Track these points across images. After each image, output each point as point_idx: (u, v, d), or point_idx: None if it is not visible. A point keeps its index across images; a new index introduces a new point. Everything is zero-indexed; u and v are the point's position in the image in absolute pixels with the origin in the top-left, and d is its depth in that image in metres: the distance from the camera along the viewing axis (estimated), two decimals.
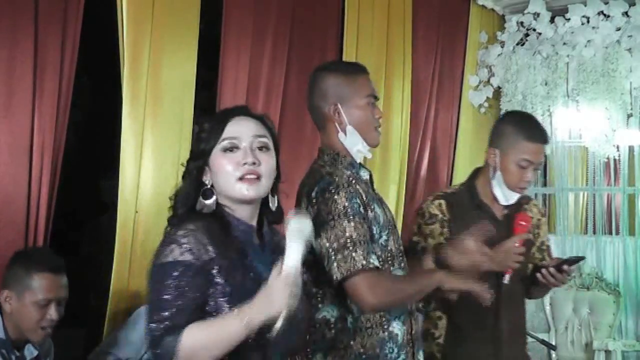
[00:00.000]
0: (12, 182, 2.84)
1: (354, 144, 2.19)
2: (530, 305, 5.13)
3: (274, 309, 1.53)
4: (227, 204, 1.72)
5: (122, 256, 3.22)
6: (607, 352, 4.80)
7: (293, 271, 1.55)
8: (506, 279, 2.49)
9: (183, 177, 1.76)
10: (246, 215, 1.73)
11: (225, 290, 1.61)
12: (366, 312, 2.06)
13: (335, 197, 2.04)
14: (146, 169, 3.26)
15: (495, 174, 2.61)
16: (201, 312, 1.59)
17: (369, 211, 2.10)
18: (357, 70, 2.26)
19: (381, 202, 2.22)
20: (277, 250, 1.68)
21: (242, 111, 1.78)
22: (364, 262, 2.00)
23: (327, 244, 2.01)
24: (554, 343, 4.75)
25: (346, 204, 2.03)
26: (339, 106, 2.18)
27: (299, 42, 4.11)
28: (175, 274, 1.58)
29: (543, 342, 3.60)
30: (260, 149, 1.73)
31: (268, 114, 1.88)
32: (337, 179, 2.09)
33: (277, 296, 1.54)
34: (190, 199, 1.71)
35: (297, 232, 1.59)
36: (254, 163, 1.69)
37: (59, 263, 2.49)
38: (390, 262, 2.15)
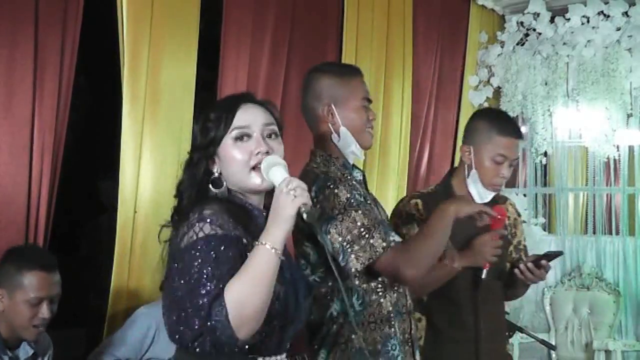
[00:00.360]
0: (12, 182, 2.84)
1: (347, 145, 2.20)
2: (530, 305, 5.17)
3: (284, 217, 1.55)
4: (238, 191, 1.72)
5: (122, 256, 3.22)
6: (607, 352, 4.80)
7: (287, 180, 1.58)
8: (484, 273, 2.49)
9: (187, 167, 1.73)
10: (256, 201, 1.73)
11: None
12: (410, 285, 2.13)
13: (336, 191, 2.05)
14: (146, 169, 3.26)
15: (470, 172, 2.58)
16: None
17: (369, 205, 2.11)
18: (351, 72, 2.27)
19: (376, 202, 2.23)
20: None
21: (249, 98, 1.76)
22: (384, 245, 2.02)
23: (340, 238, 2.02)
24: (554, 343, 4.75)
25: (348, 196, 2.05)
26: (333, 107, 2.18)
27: (299, 42, 4.11)
28: (211, 247, 1.55)
29: (543, 342, 3.60)
30: (269, 136, 1.72)
31: (271, 100, 1.86)
32: (332, 175, 2.10)
33: (285, 209, 1.55)
34: (198, 189, 1.69)
35: (271, 163, 1.64)
36: (267, 152, 1.68)
37: (51, 260, 2.46)
38: None
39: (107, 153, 3.59)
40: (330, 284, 2.09)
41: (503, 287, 2.72)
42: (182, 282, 1.56)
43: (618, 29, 5.06)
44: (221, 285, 1.52)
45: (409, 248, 2.08)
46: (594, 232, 5.26)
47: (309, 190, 2.03)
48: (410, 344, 2.20)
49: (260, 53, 3.84)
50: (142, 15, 3.28)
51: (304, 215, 1.56)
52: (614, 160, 5.18)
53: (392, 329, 2.12)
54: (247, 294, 1.51)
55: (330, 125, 2.19)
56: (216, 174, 1.70)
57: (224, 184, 1.70)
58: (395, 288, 2.17)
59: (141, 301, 3.13)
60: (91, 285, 4.56)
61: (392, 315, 2.13)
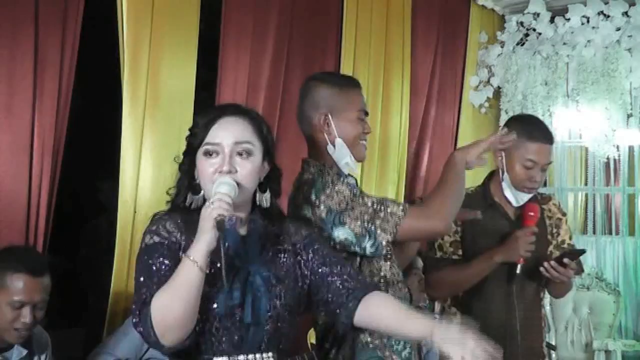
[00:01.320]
0: (13, 182, 2.84)
1: (342, 157, 2.20)
2: None
3: (204, 231, 1.60)
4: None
5: (122, 256, 3.22)
6: (607, 352, 4.80)
7: (221, 195, 1.63)
8: (518, 268, 2.56)
9: (178, 169, 1.80)
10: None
11: None
12: (444, 233, 2.24)
13: (337, 187, 2.09)
14: (146, 169, 3.26)
15: (504, 176, 2.65)
16: None
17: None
18: (350, 83, 2.27)
19: None
20: (270, 240, 1.76)
21: (232, 111, 1.78)
22: (402, 208, 2.06)
23: (359, 222, 2.06)
24: (554, 343, 4.74)
25: (349, 188, 2.09)
26: (330, 117, 2.18)
27: (299, 43, 4.11)
28: (146, 257, 1.67)
29: None
30: (240, 154, 1.73)
31: (264, 112, 1.89)
32: (329, 178, 2.13)
33: (204, 221, 1.60)
34: (182, 192, 1.77)
35: (219, 183, 1.68)
36: (229, 171, 1.70)
37: (41, 265, 2.41)
38: (393, 258, 2.19)
39: (107, 153, 3.59)
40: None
41: (544, 285, 2.75)
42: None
43: (618, 29, 5.06)
44: (151, 292, 1.61)
45: (431, 203, 2.13)
46: (594, 232, 5.26)
47: (309, 195, 2.08)
48: (409, 342, 2.19)
49: (260, 53, 3.84)
50: (143, 16, 3.27)
51: (227, 225, 1.61)
52: (614, 160, 5.18)
53: None
54: (168, 303, 1.59)
55: (325, 135, 2.19)
56: (197, 180, 1.77)
57: (202, 191, 1.76)
58: (400, 286, 2.18)
59: None
60: (91, 285, 4.56)
61: None
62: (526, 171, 2.59)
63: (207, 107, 1.90)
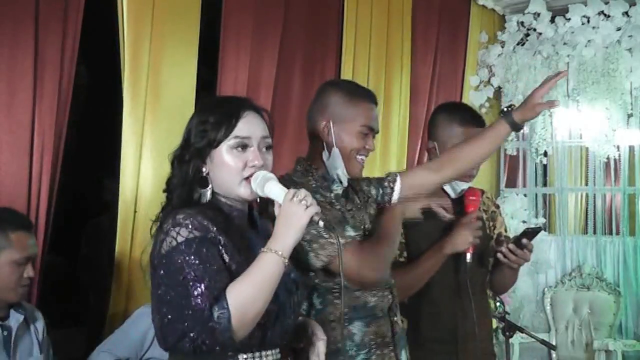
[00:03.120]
0: (13, 181, 2.84)
1: (335, 167, 2.18)
2: (530, 305, 5.18)
3: (298, 226, 1.60)
4: (222, 194, 1.74)
5: (122, 256, 3.22)
6: (608, 352, 4.81)
7: (294, 191, 1.63)
8: (469, 257, 2.48)
9: (178, 163, 1.74)
10: (239, 204, 1.76)
11: (231, 268, 1.61)
12: (367, 284, 2.11)
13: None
14: (146, 168, 3.26)
15: None
16: (231, 279, 1.59)
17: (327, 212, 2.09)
18: (363, 96, 2.23)
19: (359, 210, 2.22)
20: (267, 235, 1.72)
21: (250, 105, 1.78)
22: (342, 241, 1.99)
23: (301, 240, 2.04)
24: (554, 343, 4.75)
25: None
26: (331, 125, 2.17)
27: (299, 43, 4.11)
28: (193, 250, 1.58)
29: (543, 342, 3.60)
30: (265, 149, 1.75)
31: (267, 109, 1.88)
32: (305, 180, 2.15)
33: (298, 218, 1.60)
34: (189, 187, 1.72)
35: (262, 181, 1.68)
36: (262, 166, 1.71)
37: (29, 221, 2.50)
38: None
39: (107, 153, 3.59)
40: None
41: (489, 282, 2.70)
42: (169, 287, 1.59)
43: (618, 29, 5.06)
44: (214, 287, 1.55)
45: (368, 250, 2.10)
46: (594, 232, 5.26)
47: None
48: (392, 347, 2.19)
49: (260, 53, 3.84)
50: (143, 15, 3.27)
51: (321, 223, 1.62)
52: (614, 160, 5.18)
53: (345, 330, 2.10)
54: (251, 298, 1.55)
55: (324, 141, 2.19)
56: (204, 174, 1.72)
57: (210, 185, 1.72)
58: (363, 290, 2.15)
59: (141, 301, 3.13)
60: (91, 285, 4.56)
61: (346, 317, 2.11)
62: None
63: (210, 101, 1.88)
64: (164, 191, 1.76)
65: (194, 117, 1.77)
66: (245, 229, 1.74)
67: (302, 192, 1.63)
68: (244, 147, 1.71)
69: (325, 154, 2.19)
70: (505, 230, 2.76)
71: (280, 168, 4.37)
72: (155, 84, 3.33)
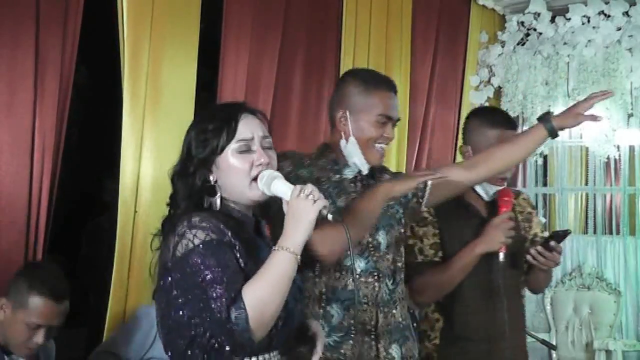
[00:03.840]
0: (13, 182, 2.84)
1: (351, 155, 2.22)
2: (530, 305, 5.16)
3: (306, 222, 1.60)
4: (231, 200, 1.74)
5: (122, 256, 3.22)
6: (608, 352, 4.80)
7: (300, 187, 1.63)
8: (501, 257, 2.50)
9: (181, 176, 1.73)
10: (246, 210, 1.76)
11: (245, 272, 1.61)
12: (324, 260, 2.09)
13: (300, 172, 2.14)
14: (146, 168, 3.26)
15: None
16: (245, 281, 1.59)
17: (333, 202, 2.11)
18: (380, 85, 2.25)
19: (348, 194, 2.23)
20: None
21: (246, 108, 1.78)
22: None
23: None
24: (554, 343, 4.75)
25: (289, 169, 2.11)
26: (347, 114, 2.20)
27: (299, 42, 4.11)
28: (210, 252, 1.57)
29: (543, 342, 3.61)
30: (267, 147, 1.75)
31: (265, 111, 1.89)
32: (315, 161, 2.19)
33: (307, 213, 1.60)
34: (196, 199, 1.71)
35: (269, 180, 1.68)
36: (268, 164, 1.71)
37: (64, 289, 2.40)
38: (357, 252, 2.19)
39: (107, 153, 3.59)
40: None
41: (525, 282, 2.72)
42: (186, 290, 1.57)
43: (619, 29, 5.05)
44: (231, 289, 1.54)
45: (330, 226, 2.06)
46: (595, 232, 5.26)
47: (288, 166, 2.12)
48: (373, 336, 2.20)
49: (260, 53, 3.84)
50: (143, 15, 3.27)
51: (329, 216, 1.62)
52: (615, 160, 5.18)
53: (321, 311, 2.14)
54: (267, 297, 1.55)
55: (341, 131, 2.22)
56: (212, 182, 1.72)
57: (219, 192, 1.72)
58: (349, 275, 2.16)
59: (141, 301, 3.13)
60: (91, 285, 4.56)
61: (323, 297, 2.15)
62: None
63: (205, 111, 1.88)
64: (168, 205, 1.75)
65: (191, 129, 1.77)
66: (253, 235, 1.74)
67: (309, 187, 1.63)
68: (247, 148, 1.71)
69: (342, 142, 2.22)
70: (542, 232, 2.78)
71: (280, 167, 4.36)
72: (155, 85, 3.32)
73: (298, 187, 1.64)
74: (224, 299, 1.53)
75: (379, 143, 2.23)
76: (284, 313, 1.64)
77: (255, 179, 1.70)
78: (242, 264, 1.62)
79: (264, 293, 1.55)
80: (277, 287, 1.57)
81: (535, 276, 2.67)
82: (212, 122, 1.73)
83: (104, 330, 3.20)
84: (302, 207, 1.61)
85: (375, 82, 2.26)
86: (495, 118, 2.65)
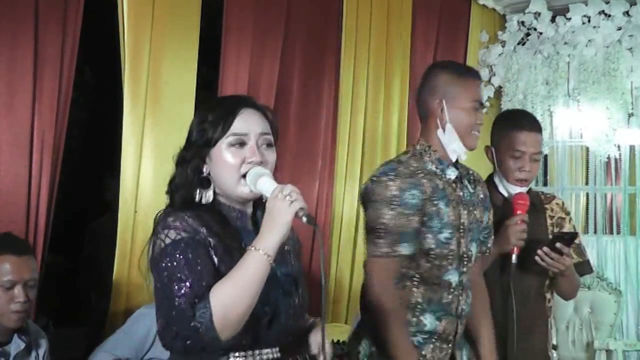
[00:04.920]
0: (13, 181, 2.84)
1: (450, 142, 2.25)
2: None
3: (281, 223, 1.57)
4: (222, 194, 1.72)
5: (122, 256, 3.22)
6: (608, 352, 4.79)
7: (280, 187, 1.60)
8: (514, 258, 2.52)
9: (179, 163, 1.73)
10: (240, 205, 1.74)
11: (221, 270, 1.60)
12: (370, 295, 2.18)
13: (390, 183, 2.17)
14: (146, 168, 3.26)
15: (496, 171, 2.66)
16: (217, 279, 1.58)
17: (431, 206, 2.18)
18: (470, 73, 2.34)
19: (459, 204, 2.27)
20: None
21: (249, 102, 1.76)
22: (387, 250, 2.14)
23: (366, 222, 2.20)
24: (555, 343, 4.74)
25: (396, 194, 2.15)
26: (444, 103, 2.24)
27: (299, 42, 4.11)
28: (179, 251, 1.58)
29: None
30: (264, 146, 1.72)
31: (270, 106, 1.87)
32: (401, 169, 2.20)
33: (282, 215, 1.57)
34: (190, 188, 1.70)
35: (255, 177, 1.66)
36: (260, 162, 1.69)
37: (21, 245, 2.49)
38: (449, 261, 2.24)
39: (108, 152, 3.59)
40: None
41: (549, 286, 2.72)
42: (158, 289, 1.60)
43: (619, 29, 5.05)
44: (199, 286, 1.54)
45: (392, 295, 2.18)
46: (595, 232, 5.25)
47: (377, 172, 2.21)
48: (451, 344, 2.27)
49: (260, 52, 3.84)
50: (143, 14, 3.27)
51: (304, 219, 1.58)
52: (615, 159, 5.17)
53: (414, 319, 2.21)
54: (233, 298, 1.54)
55: (438, 119, 2.26)
56: (205, 174, 1.71)
57: (212, 184, 1.71)
58: (446, 288, 2.25)
59: (141, 301, 3.13)
60: (92, 285, 4.56)
61: (417, 307, 2.22)
62: (515, 161, 2.59)
63: (211, 100, 1.88)
64: (167, 192, 1.75)
65: (195, 117, 1.77)
66: (243, 231, 1.71)
67: (288, 188, 1.59)
68: (241, 144, 1.69)
69: (439, 132, 2.26)
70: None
71: (281, 167, 4.36)
72: (156, 84, 3.33)
73: (278, 186, 1.61)
74: (187, 297, 1.53)
75: (474, 130, 2.28)
76: (270, 309, 1.64)
77: (244, 176, 1.68)
78: (217, 262, 1.61)
79: (230, 293, 1.53)
80: (245, 287, 1.54)
81: (556, 281, 2.68)
82: (212, 112, 1.72)
83: (104, 330, 3.21)
84: (279, 207, 1.57)
85: (466, 70, 2.38)
86: (519, 120, 2.67)
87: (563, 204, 2.84)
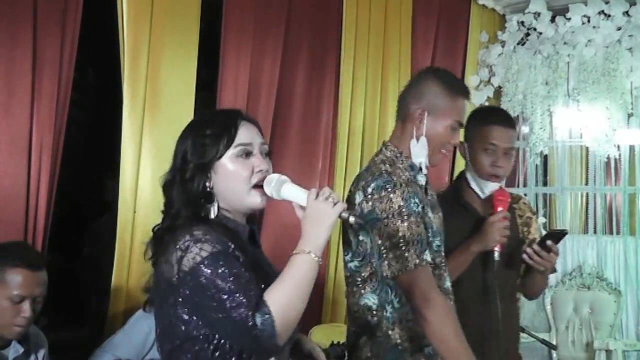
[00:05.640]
0: (12, 181, 2.84)
1: (419, 155, 2.20)
2: (531, 305, 5.16)
3: (327, 224, 1.59)
4: (226, 207, 1.71)
5: (122, 256, 3.22)
6: (608, 352, 4.79)
7: (317, 190, 1.62)
8: (496, 255, 2.50)
9: (179, 183, 1.70)
10: (240, 218, 1.74)
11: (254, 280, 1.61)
12: (429, 308, 2.05)
13: (391, 195, 2.08)
14: (145, 169, 3.26)
15: (468, 168, 2.64)
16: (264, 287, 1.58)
17: (424, 215, 2.14)
18: (460, 91, 2.25)
19: (434, 209, 2.24)
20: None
21: (243, 116, 1.76)
22: (417, 261, 2.05)
23: (380, 242, 2.07)
24: (554, 343, 4.75)
25: (402, 204, 2.08)
26: (425, 115, 2.18)
27: (299, 42, 4.11)
28: (221, 263, 1.56)
29: (544, 341, 3.59)
30: (265, 154, 1.73)
31: (266, 112, 1.88)
32: (395, 178, 2.12)
33: (327, 216, 1.59)
34: (198, 204, 1.68)
35: (278, 184, 1.66)
36: (267, 170, 1.70)
37: (37, 259, 2.43)
38: (443, 268, 2.21)
39: (107, 153, 3.59)
40: (364, 274, 2.14)
41: (521, 286, 2.72)
42: (195, 305, 1.58)
43: (619, 29, 5.05)
44: (249, 296, 1.53)
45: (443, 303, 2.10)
46: (595, 232, 5.25)
47: (368, 186, 2.11)
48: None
49: (260, 52, 3.84)
50: (142, 14, 3.27)
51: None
52: (615, 159, 5.17)
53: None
54: (291, 300, 1.55)
55: (414, 128, 2.19)
56: (209, 189, 1.69)
57: (216, 199, 1.70)
58: (448, 296, 2.21)
59: (141, 302, 3.12)
60: (91, 285, 4.56)
61: None
62: (487, 156, 2.57)
63: (202, 117, 1.87)
64: (163, 212, 1.72)
65: (187, 135, 1.73)
66: (247, 243, 1.72)
67: (327, 190, 1.62)
68: (247, 154, 1.70)
69: (413, 141, 2.19)
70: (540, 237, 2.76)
71: (281, 167, 4.37)
72: (155, 84, 3.33)
73: (314, 189, 1.62)
74: (245, 307, 1.52)
75: (444, 149, 2.23)
76: None
77: (255, 186, 1.68)
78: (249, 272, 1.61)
79: (287, 297, 1.55)
80: (299, 290, 1.56)
81: (531, 279, 2.66)
82: (211, 127, 1.71)
83: (104, 331, 3.20)
84: (323, 209, 1.59)
85: (458, 87, 2.26)
86: (492, 115, 2.66)
87: (529, 203, 2.85)
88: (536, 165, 5.43)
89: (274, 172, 1.72)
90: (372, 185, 2.11)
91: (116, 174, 3.27)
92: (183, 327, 1.60)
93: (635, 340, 4.93)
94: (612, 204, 5.39)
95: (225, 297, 1.53)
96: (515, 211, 2.72)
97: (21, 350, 2.40)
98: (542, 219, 5.39)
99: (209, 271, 1.55)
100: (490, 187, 2.60)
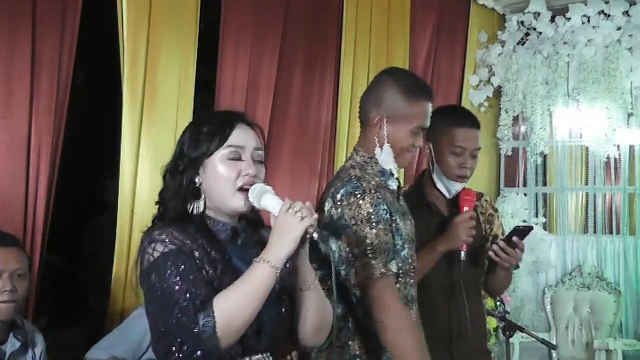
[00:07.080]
0: (11, 181, 2.84)
1: (387, 162, 2.16)
2: (531, 305, 5.17)
3: (291, 238, 1.59)
4: (211, 206, 1.73)
5: (121, 256, 3.22)
6: (608, 352, 4.80)
7: (290, 203, 1.61)
8: (463, 255, 2.50)
9: (172, 174, 1.73)
10: (227, 218, 1.74)
11: (212, 281, 1.62)
12: (390, 317, 2.03)
13: (361, 202, 2.04)
14: (144, 169, 3.25)
15: (434, 168, 2.61)
16: (214, 289, 1.59)
17: (393, 222, 2.10)
18: (422, 94, 2.17)
19: (405, 216, 2.20)
20: (260, 244, 1.70)
21: (243, 118, 1.77)
22: (383, 270, 2.02)
23: (348, 249, 2.04)
24: (554, 343, 4.75)
25: (371, 210, 2.04)
26: (385, 121, 2.12)
27: (298, 42, 4.10)
28: (169, 263, 1.59)
29: (544, 341, 3.59)
30: (257, 160, 1.73)
31: (265, 112, 1.87)
32: (364, 185, 2.07)
33: (293, 230, 1.59)
34: (183, 199, 1.71)
35: (260, 193, 1.67)
36: (255, 175, 1.70)
37: (7, 238, 2.46)
38: (411, 275, 2.17)
39: (106, 153, 3.59)
40: (330, 283, 2.08)
41: (484, 284, 2.71)
42: (153, 302, 1.63)
43: (619, 29, 5.06)
44: (195, 296, 1.56)
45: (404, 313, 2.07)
46: (595, 232, 5.26)
47: (337, 192, 2.07)
48: None
49: (259, 52, 3.83)
50: (142, 14, 3.27)
51: (315, 235, 1.60)
52: (615, 159, 5.18)
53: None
54: (238, 308, 1.56)
55: (375, 136, 2.15)
56: (197, 185, 1.71)
57: (203, 195, 1.71)
58: (411, 304, 2.17)
59: (141, 301, 3.12)
60: (91, 285, 4.56)
61: None
62: (456, 158, 2.55)
63: (204, 114, 1.88)
64: (157, 203, 1.75)
65: (187, 130, 1.77)
66: (229, 245, 1.72)
67: (298, 205, 1.61)
68: (238, 156, 1.70)
69: (377, 150, 2.15)
70: (503, 234, 2.76)
71: (281, 167, 4.36)
72: (154, 83, 3.32)
73: (287, 202, 1.62)
74: (189, 306, 1.55)
75: (410, 152, 2.19)
76: (255, 321, 1.62)
77: (240, 189, 1.69)
78: (206, 273, 1.62)
79: (236, 304, 1.55)
80: (251, 298, 1.56)
81: (496, 277, 2.65)
82: (208, 125, 1.73)
83: (103, 330, 3.20)
84: (290, 222, 1.59)
85: (418, 91, 2.17)
86: (460, 117, 2.64)
87: (491, 201, 2.85)
88: (536, 165, 5.43)
89: (266, 178, 1.74)
90: (342, 191, 2.07)
91: (115, 173, 3.27)
92: (153, 324, 1.66)
93: (635, 340, 4.93)
94: (612, 204, 5.39)
95: (170, 296, 1.56)
96: (478, 209, 2.70)
97: (18, 344, 2.41)
98: (542, 219, 5.40)
99: (159, 271, 1.60)
100: (457, 187, 2.59)
